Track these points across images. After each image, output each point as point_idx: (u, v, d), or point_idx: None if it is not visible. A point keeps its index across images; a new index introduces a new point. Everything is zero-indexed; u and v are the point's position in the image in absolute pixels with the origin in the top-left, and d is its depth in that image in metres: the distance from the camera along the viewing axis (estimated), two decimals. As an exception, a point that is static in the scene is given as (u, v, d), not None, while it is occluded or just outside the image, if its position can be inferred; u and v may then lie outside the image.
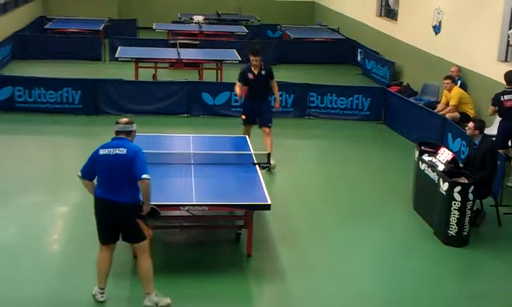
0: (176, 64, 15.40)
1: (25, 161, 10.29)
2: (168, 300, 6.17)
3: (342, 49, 19.57)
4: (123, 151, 5.96)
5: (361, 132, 12.81)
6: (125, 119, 6.25)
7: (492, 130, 10.66)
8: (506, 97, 9.91)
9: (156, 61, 15.25)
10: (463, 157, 9.54)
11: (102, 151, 6.06)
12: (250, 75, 10.01)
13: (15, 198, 8.74)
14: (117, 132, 6.15)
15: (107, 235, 6.17)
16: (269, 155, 8.55)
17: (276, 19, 23.29)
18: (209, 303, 6.41)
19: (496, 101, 9.99)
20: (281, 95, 13.10)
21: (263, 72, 10.05)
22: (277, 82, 10.43)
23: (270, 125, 10.08)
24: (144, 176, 5.85)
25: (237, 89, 10.06)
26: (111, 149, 6.02)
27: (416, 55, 15.29)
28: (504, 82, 10.19)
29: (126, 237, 6.15)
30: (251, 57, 10.00)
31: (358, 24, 20.12)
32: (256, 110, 10.13)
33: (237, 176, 7.79)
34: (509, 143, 10.05)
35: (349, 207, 9.02)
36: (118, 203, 5.95)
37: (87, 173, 6.13)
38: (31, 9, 22.12)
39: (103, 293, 6.25)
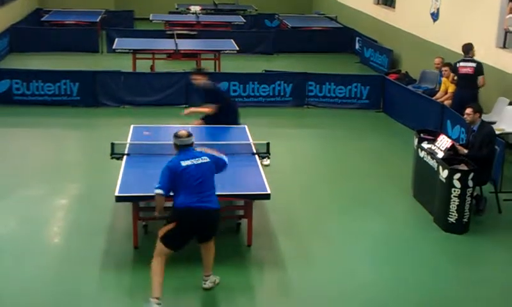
0: (174, 55, 15.36)
1: (24, 154, 10.27)
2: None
3: (340, 38, 19.55)
4: (206, 159, 6.10)
5: (360, 120, 12.80)
6: (185, 132, 6.19)
7: (491, 116, 10.66)
8: (462, 64, 10.76)
9: (154, 52, 15.22)
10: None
11: (184, 163, 5.99)
12: None
13: (15, 191, 8.72)
14: (183, 145, 6.10)
15: (184, 243, 6.16)
16: (268, 144, 8.49)
17: (274, 8, 23.23)
18: (210, 292, 6.42)
19: (454, 68, 10.96)
20: (279, 85, 13.11)
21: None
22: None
23: None
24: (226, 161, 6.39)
25: None
26: (194, 160, 6.04)
27: (415, 43, 15.26)
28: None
29: (205, 238, 6.23)
30: None
31: (356, 12, 20.07)
32: None
33: (236, 166, 7.75)
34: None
35: (348, 196, 9.02)
36: (213, 210, 6.07)
37: (168, 190, 6.00)
38: (28, 1, 22.03)
39: (160, 303, 5.89)
